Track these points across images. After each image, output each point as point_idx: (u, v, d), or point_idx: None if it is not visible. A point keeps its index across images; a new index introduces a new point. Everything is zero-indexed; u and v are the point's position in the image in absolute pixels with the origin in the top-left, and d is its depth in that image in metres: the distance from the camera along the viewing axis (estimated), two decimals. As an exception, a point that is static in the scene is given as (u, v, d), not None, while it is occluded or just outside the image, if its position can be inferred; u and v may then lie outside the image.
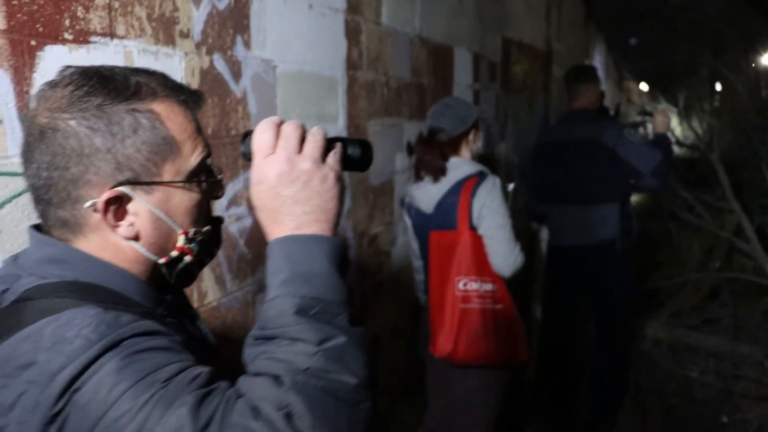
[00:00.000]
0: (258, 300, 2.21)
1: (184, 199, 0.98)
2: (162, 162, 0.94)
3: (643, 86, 19.59)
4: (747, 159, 5.30)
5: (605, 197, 3.81)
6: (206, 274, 1.95)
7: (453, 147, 2.73)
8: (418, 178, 2.78)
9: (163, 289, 1.04)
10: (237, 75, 2.02)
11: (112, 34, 1.56)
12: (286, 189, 0.90)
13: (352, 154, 1.00)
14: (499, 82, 5.05)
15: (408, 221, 2.92)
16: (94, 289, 0.90)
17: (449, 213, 2.64)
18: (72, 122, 0.88)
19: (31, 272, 0.92)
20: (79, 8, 1.47)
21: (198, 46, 1.86)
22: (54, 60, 1.42)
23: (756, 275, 5.57)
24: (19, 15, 1.33)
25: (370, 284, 3.13)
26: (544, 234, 4.07)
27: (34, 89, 1.38)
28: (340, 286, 0.88)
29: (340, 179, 0.95)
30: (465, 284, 2.59)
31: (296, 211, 0.90)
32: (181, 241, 0.99)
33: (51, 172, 0.90)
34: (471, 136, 2.76)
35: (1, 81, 1.32)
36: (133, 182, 0.92)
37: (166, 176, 0.95)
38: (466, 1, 4.22)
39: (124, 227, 0.94)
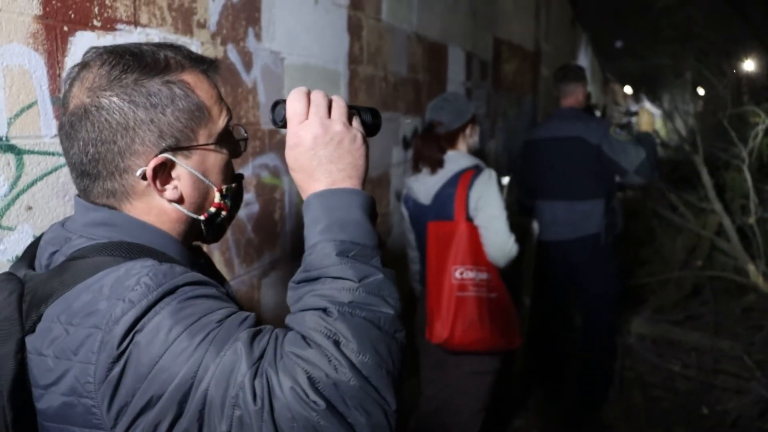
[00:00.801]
0: (264, 284, 2.28)
1: (216, 160, 1.06)
2: (197, 127, 1.02)
3: (628, 89, 19.78)
4: (729, 161, 5.41)
5: (590, 193, 3.90)
6: (216, 257, 2.02)
7: (450, 140, 2.81)
8: (416, 170, 2.86)
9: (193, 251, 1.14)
10: (248, 65, 2.09)
11: (136, 23, 1.63)
12: (321, 150, 0.98)
13: (366, 120, 1.10)
14: (490, 81, 5.14)
15: (405, 212, 2.99)
16: (140, 249, 0.98)
17: (447, 204, 2.72)
18: (115, 98, 0.95)
19: (81, 234, 0.99)
20: (108, -4, 1.54)
21: (213, 36, 1.93)
22: (84, 45, 1.49)
23: (736, 274, 5.70)
24: (53, 2, 1.40)
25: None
26: (536, 227, 4.16)
27: (66, 73, 1.45)
28: (373, 233, 0.96)
29: (365, 140, 1.04)
30: (461, 273, 2.68)
31: (331, 168, 0.98)
32: (217, 197, 1.07)
33: (98, 147, 0.96)
34: (468, 130, 2.84)
35: (36, 64, 1.38)
36: (175, 148, 1.00)
37: (201, 140, 1.03)
38: (460, 0, 4.31)
39: (170, 191, 1.02)
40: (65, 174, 1.47)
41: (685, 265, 6.07)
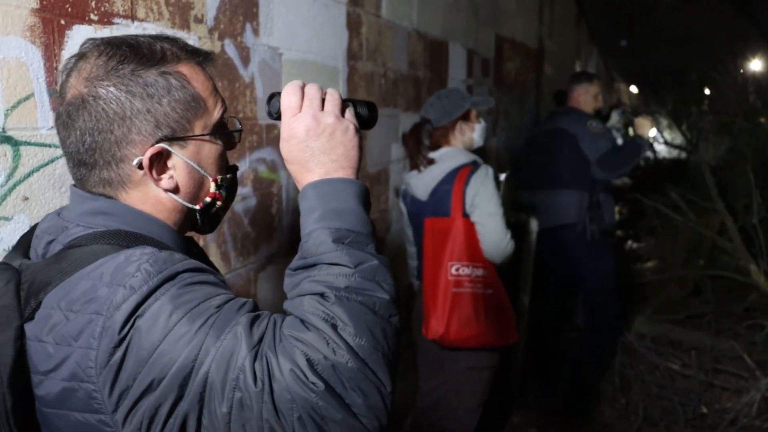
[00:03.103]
0: (260, 278, 2.30)
1: (211, 150, 1.09)
2: (193, 118, 1.04)
3: (633, 88, 19.73)
4: (733, 161, 5.42)
5: (568, 183, 4.01)
6: (213, 250, 2.04)
7: (443, 137, 2.83)
8: (414, 166, 2.88)
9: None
10: (246, 60, 2.11)
11: (133, 17, 1.65)
12: (314, 141, 1.02)
13: (362, 113, 1.13)
14: (491, 79, 5.15)
15: (403, 208, 3.01)
16: (137, 237, 1.00)
17: (443, 200, 2.74)
18: (112, 88, 0.97)
19: (78, 223, 1.01)
20: (105, -9, 1.56)
21: (210, 31, 1.95)
22: (81, 39, 1.49)
23: (738, 273, 5.70)
24: (51, -5, 1.42)
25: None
26: (534, 225, 4.18)
27: (63, 64, 1.47)
28: (367, 221, 1.00)
29: (357, 131, 1.07)
30: (457, 269, 2.69)
31: (324, 160, 1.02)
32: (212, 187, 1.09)
33: (95, 136, 0.98)
34: (458, 127, 2.85)
35: (33, 57, 1.40)
36: (171, 138, 1.02)
37: (197, 130, 1.05)
38: (462, -2, 4.32)
39: (166, 180, 1.04)
40: (62, 165, 1.49)
41: (686, 264, 6.06)
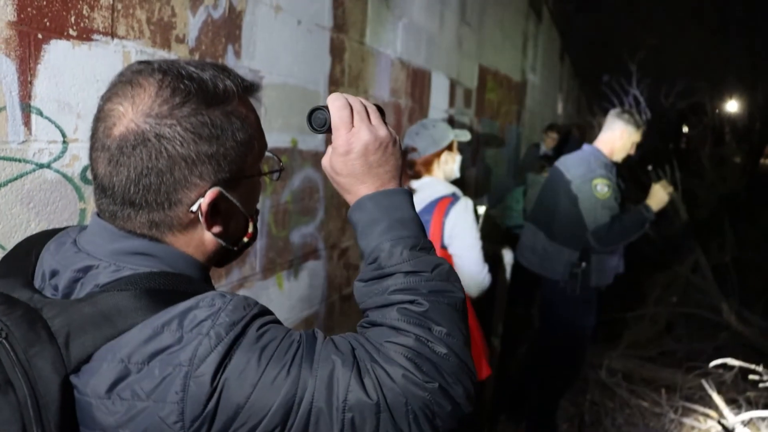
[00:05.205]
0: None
1: (255, 189, 1.05)
2: (246, 157, 0.98)
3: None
4: (707, 199, 5.50)
5: (560, 238, 3.82)
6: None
7: (426, 166, 2.82)
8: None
9: None
10: (226, 82, 2.09)
11: (113, 34, 1.63)
12: (372, 156, 1.05)
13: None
14: (473, 109, 5.18)
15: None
16: (184, 279, 0.94)
17: (421, 230, 2.72)
18: (178, 128, 0.90)
19: (111, 262, 0.93)
20: (85, 6, 1.54)
21: (192, 51, 1.93)
22: (58, 54, 1.49)
23: (711, 311, 5.75)
24: (29, 9, 1.40)
25: (337, 296, 3.20)
26: (508, 258, 4.17)
27: (38, 80, 1.45)
28: (423, 227, 1.06)
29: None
30: (432, 299, 2.67)
31: (379, 172, 1.06)
32: (250, 227, 1.06)
33: (151, 177, 0.90)
34: (443, 157, 2.85)
35: (7, 70, 1.38)
36: (228, 180, 0.96)
37: (247, 171, 1.00)
38: (446, 28, 4.35)
39: (217, 224, 0.98)
40: (30, 181, 1.46)
41: (660, 301, 6.11)
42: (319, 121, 1.07)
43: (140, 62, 0.95)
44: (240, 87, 0.98)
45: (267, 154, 1.07)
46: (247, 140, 0.97)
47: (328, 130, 1.07)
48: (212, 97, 0.93)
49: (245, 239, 1.06)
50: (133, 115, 0.89)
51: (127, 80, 0.92)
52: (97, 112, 0.94)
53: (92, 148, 0.94)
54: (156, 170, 0.90)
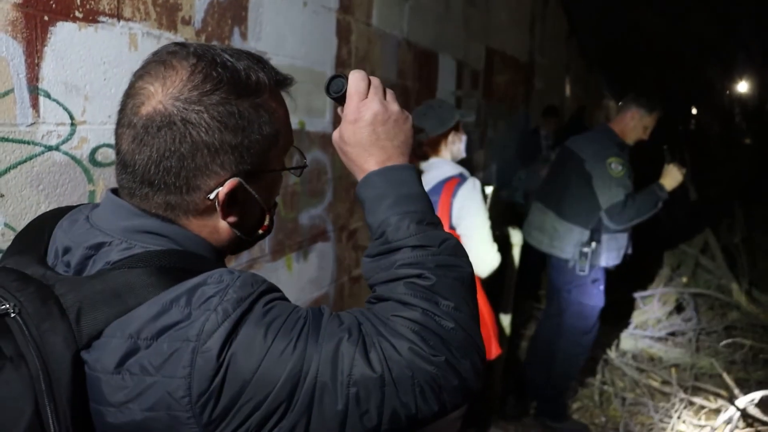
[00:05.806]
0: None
1: (276, 183, 1.06)
2: (269, 151, 0.99)
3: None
4: (717, 179, 5.47)
5: (571, 217, 3.80)
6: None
7: (433, 147, 2.82)
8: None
9: None
10: (233, 64, 2.09)
11: (119, 16, 1.64)
12: (380, 126, 1.05)
13: None
14: (481, 91, 5.16)
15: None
16: (196, 257, 0.95)
17: (429, 211, 2.72)
18: (206, 116, 0.90)
19: (124, 239, 0.94)
20: (91, -12, 1.54)
21: (198, 33, 1.93)
22: (64, 36, 1.49)
23: (720, 292, 5.75)
24: (35, -10, 1.40)
25: (347, 278, 3.21)
26: (517, 238, 4.16)
27: (45, 62, 1.45)
28: (431, 203, 1.06)
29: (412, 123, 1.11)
30: (441, 280, 2.67)
31: (386, 145, 1.06)
32: (267, 220, 1.07)
33: (172, 160, 0.91)
34: (451, 138, 2.84)
35: (14, 52, 1.38)
36: (249, 172, 0.96)
37: (271, 165, 1.01)
38: (452, 9, 4.33)
39: (233, 214, 0.99)
40: (39, 163, 1.47)
41: (669, 282, 6.11)
42: (336, 87, 1.09)
43: (176, 44, 0.95)
44: (273, 80, 0.98)
45: (297, 153, 1.11)
46: (273, 134, 0.97)
47: (343, 98, 1.07)
48: (243, 87, 0.93)
49: (260, 231, 1.06)
50: (162, 96, 0.90)
51: (161, 60, 0.92)
52: (128, 88, 0.94)
53: (119, 123, 0.94)
54: (178, 154, 0.90)
